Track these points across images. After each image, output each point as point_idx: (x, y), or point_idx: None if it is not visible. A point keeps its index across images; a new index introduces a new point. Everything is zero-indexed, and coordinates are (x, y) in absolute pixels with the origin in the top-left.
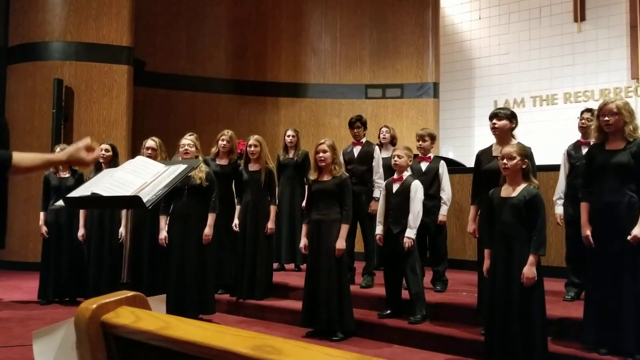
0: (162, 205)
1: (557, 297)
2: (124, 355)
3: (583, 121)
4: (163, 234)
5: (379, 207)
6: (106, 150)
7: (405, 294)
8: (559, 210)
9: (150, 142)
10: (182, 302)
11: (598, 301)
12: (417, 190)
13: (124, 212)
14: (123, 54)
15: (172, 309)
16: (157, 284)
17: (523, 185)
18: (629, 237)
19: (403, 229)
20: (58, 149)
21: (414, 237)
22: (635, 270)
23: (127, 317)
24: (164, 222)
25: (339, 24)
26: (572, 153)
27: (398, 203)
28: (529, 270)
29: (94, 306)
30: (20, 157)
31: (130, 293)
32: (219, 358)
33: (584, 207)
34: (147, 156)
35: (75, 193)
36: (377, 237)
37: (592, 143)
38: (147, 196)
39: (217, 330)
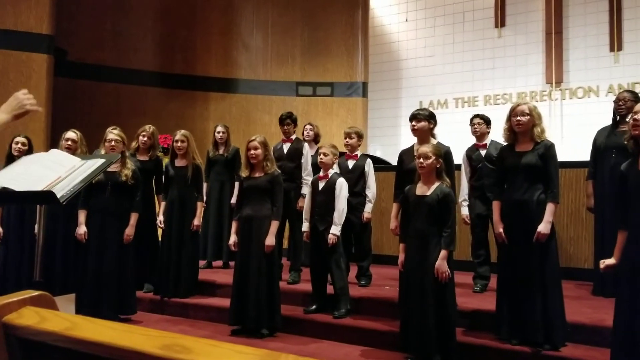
0: (81, 199)
1: (467, 289)
2: (28, 358)
3: (475, 126)
4: (82, 228)
5: (306, 204)
6: (22, 144)
7: (330, 289)
8: (465, 211)
9: (71, 134)
10: (100, 302)
11: (510, 294)
12: (342, 187)
13: (37, 208)
14: (43, 42)
15: (89, 309)
16: (70, 283)
17: (437, 184)
18: (535, 235)
19: (328, 226)
20: None
21: (338, 233)
22: (545, 264)
23: (31, 317)
24: (83, 217)
25: (270, 20)
26: (472, 156)
27: (324, 200)
28: (441, 265)
29: None
30: None
31: (35, 292)
32: (127, 358)
33: (495, 205)
34: (66, 148)
35: None
36: (304, 233)
37: (488, 144)
38: (61, 191)
39: (126, 330)
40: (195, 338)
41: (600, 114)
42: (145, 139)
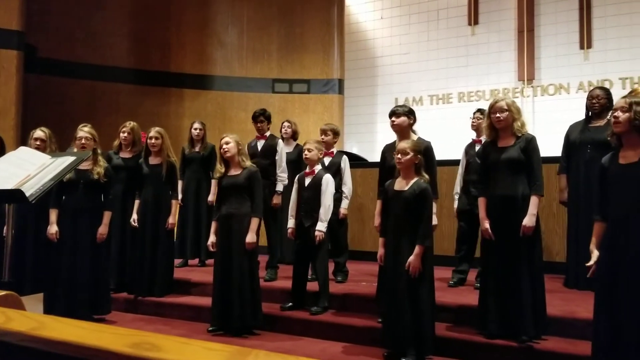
0: (53, 198)
1: (446, 283)
2: None
3: (474, 120)
4: (54, 228)
5: (291, 201)
6: None
7: (309, 286)
8: (456, 204)
9: (39, 133)
10: (73, 302)
11: (495, 289)
12: (328, 184)
13: (6, 207)
14: (12, 38)
15: (62, 309)
16: (41, 283)
17: (414, 179)
18: (521, 229)
19: (314, 222)
20: None
21: (324, 230)
22: (531, 258)
23: None
24: (54, 216)
25: (246, 16)
26: (469, 150)
27: (310, 197)
28: (414, 260)
29: None
30: None
31: (1, 292)
32: (96, 357)
33: (481, 201)
34: (35, 148)
35: None
36: (289, 230)
37: (484, 141)
38: (30, 190)
39: (94, 329)
40: (165, 336)
41: (571, 111)
42: (125, 134)
